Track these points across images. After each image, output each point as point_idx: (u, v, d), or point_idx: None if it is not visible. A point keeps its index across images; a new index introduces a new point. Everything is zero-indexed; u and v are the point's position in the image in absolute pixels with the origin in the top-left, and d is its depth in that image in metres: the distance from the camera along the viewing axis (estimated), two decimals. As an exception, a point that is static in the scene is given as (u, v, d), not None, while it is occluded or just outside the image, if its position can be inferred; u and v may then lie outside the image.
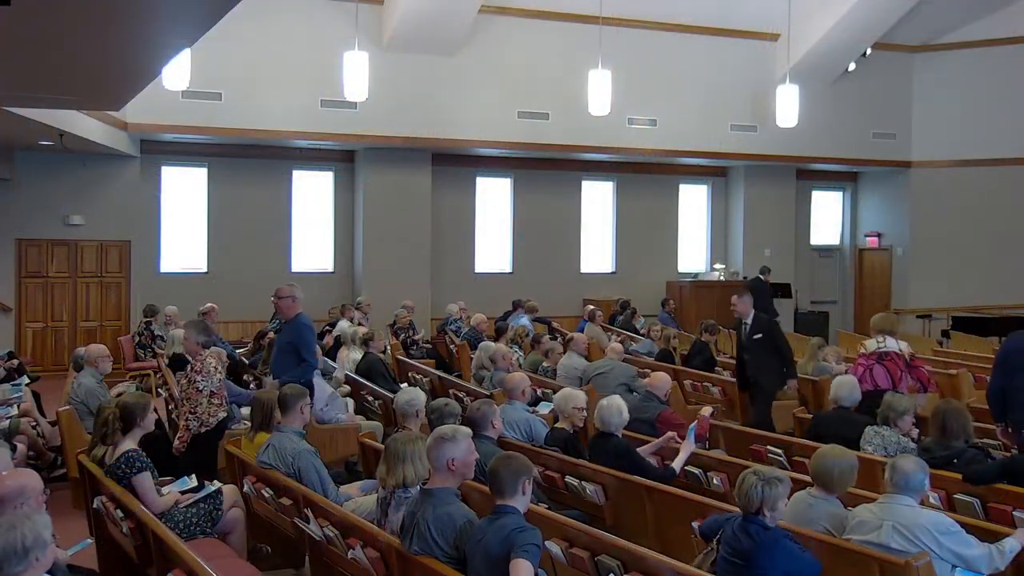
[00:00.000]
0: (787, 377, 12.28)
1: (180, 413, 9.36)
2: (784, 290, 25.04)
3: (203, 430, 9.17)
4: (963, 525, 6.93)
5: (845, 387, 10.12)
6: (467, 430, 6.68)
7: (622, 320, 20.96)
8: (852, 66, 24.82)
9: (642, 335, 18.91)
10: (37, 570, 4.78)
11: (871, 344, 11.47)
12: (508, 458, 5.97)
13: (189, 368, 9.35)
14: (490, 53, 21.52)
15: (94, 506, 7.80)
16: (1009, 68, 25.35)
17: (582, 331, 17.28)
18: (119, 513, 7.25)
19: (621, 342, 15.60)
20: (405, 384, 13.53)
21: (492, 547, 5.56)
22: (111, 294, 20.38)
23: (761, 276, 24.15)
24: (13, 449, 7.58)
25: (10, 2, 5.10)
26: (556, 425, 9.62)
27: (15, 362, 13.70)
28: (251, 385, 12.99)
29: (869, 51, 24.68)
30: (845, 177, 27.88)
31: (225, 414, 9.60)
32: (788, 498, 6.32)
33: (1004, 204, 25.57)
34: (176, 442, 9.21)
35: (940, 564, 6.18)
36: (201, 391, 9.19)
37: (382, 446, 9.12)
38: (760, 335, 12.36)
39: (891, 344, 11.35)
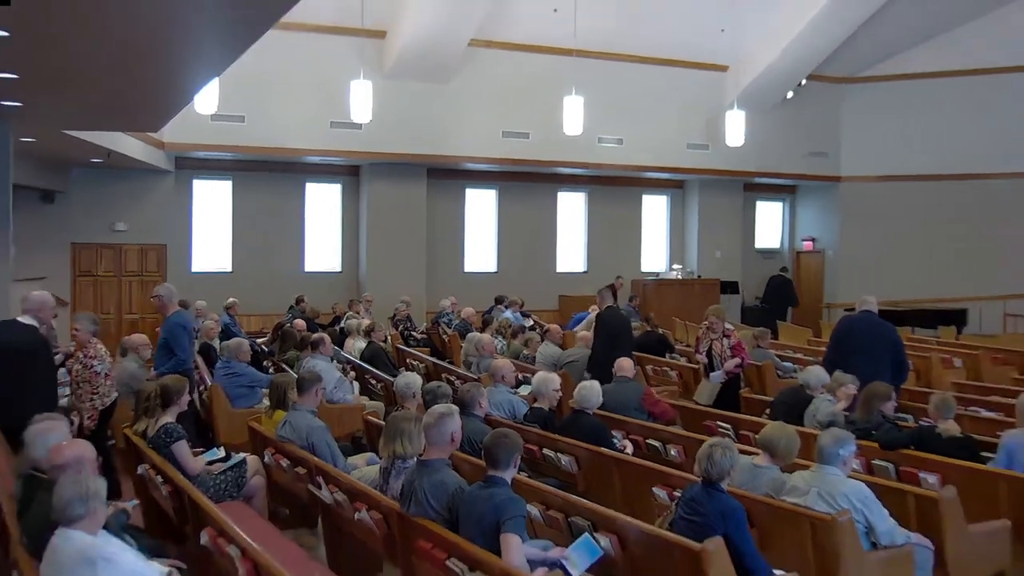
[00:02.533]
0: (594, 373, 11.64)
1: (79, 395, 9.25)
2: (732, 287, 25.16)
3: (103, 407, 9.16)
4: (880, 486, 7.08)
5: (812, 374, 10.22)
6: (457, 408, 6.78)
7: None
8: (790, 94, 24.93)
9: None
10: (93, 520, 4.92)
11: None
12: (504, 435, 6.02)
13: (83, 355, 9.26)
14: (478, 80, 21.52)
15: (138, 472, 7.85)
16: (922, 98, 25.57)
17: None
18: (159, 479, 7.30)
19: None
20: (403, 369, 13.56)
21: (483, 511, 5.63)
22: (150, 291, 20.07)
23: (783, 273, 25.33)
24: (71, 423, 7.60)
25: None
26: (535, 404, 9.64)
27: (71, 348, 13.72)
28: (269, 370, 13.02)
29: (804, 82, 24.83)
30: (784, 190, 27.95)
31: (117, 393, 9.62)
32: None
33: (919, 213, 25.71)
34: (87, 421, 9.06)
35: (857, 527, 6.28)
36: (99, 373, 9.17)
37: (383, 423, 9.21)
38: (601, 324, 12.47)
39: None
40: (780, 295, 26.14)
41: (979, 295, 24.73)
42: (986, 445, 8.40)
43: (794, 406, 9.79)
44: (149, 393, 8.06)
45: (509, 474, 5.90)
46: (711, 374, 12.00)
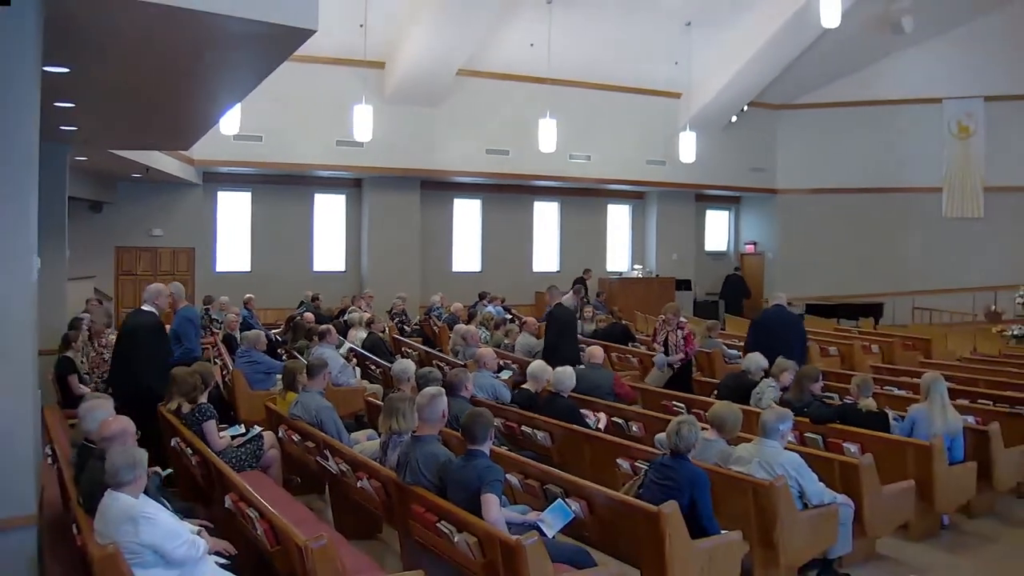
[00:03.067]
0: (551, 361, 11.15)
1: (93, 378, 9.29)
2: (686, 285, 25.26)
3: (110, 390, 8.93)
4: (810, 455, 7.19)
5: (753, 361, 10.32)
6: (444, 390, 6.84)
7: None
8: (734, 118, 25.07)
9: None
10: (138, 485, 5.03)
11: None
12: (478, 414, 6.06)
13: (97, 343, 9.30)
14: (465, 105, 21.52)
15: (171, 445, 7.87)
16: (846, 122, 25.69)
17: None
18: (189, 451, 7.34)
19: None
20: (399, 357, 13.58)
21: (467, 479, 5.68)
22: (181, 288, 20.46)
23: (736, 272, 25.64)
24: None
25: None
26: (524, 386, 9.70)
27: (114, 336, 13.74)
28: (283, 358, 13.01)
29: (746, 108, 24.96)
30: (730, 200, 28.03)
31: None
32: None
33: (842, 221, 25.85)
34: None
35: (791, 491, 6.38)
36: (107, 360, 9.21)
37: (382, 403, 9.25)
38: (551, 320, 12.50)
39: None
40: (734, 290, 26.27)
41: (892, 291, 24.90)
42: (898, 419, 8.52)
43: (736, 388, 9.88)
44: (195, 381, 8.07)
45: (487, 446, 5.95)
46: (655, 360, 12.10)
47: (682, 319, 12.22)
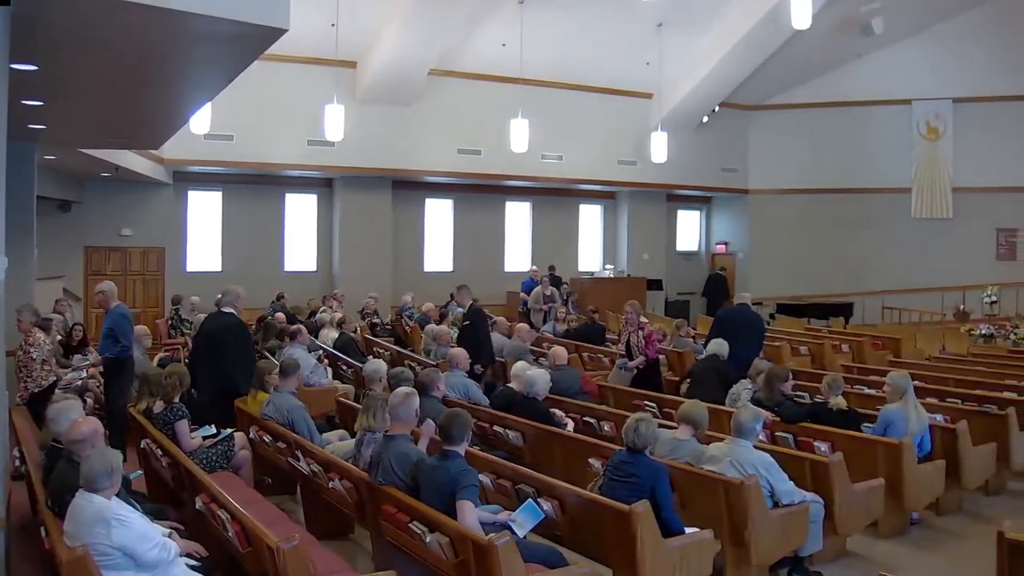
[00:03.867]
0: (477, 360, 11.25)
1: (19, 378, 9.29)
2: (658, 284, 25.31)
3: (37, 390, 9.10)
4: (781, 454, 7.26)
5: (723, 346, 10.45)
6: (416, 390, 6.87)
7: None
8: (705, 119, 25.15)
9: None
10: (113, 489, 5.03)
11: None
12: (457, 415, 6.08)
13: (23, 341, 9.29)
14: (437, 105, 21.47)
15: (141, 446, 7.83)
16: (811, 124, 25.88)
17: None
18: (159, 452, 7.30)
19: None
20: (371, 357, 13.55)
21: (441, 480, 5.69)
22: (151, 287, 20.41)
23: (720, 272, 25.78)
24: (84, 403, 7.63)
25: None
26: (509, 385, 9.72)
27: (80, 329, 13.62)
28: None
29: (717, 108, 25.06)
30: (702, 200, 28.11)
31: (55, 377, 9.59)
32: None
33: (813, 221, 25.98)
34: (17, 399, 9.11)
35: (762, 490, 6.42)
36: (34, 359, 9.18)
37: (354, 404, 9.26)
38: (468, 322, 12.20)
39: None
40: (717, 290, 26.38)
41: (862, 291, 25.08)
42: (868, 417, 8.65)
43: (707, 370, 10.51)
44: (175, 381, 8.04)
45: (463, 448, 5.97)
46: (617, 363, 12.13)
47: (643, 319, 12.23)
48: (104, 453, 5.12)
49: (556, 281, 21.20)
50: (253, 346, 10.34)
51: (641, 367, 11.68)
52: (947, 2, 23.17)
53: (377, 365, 9.40)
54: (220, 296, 10.09)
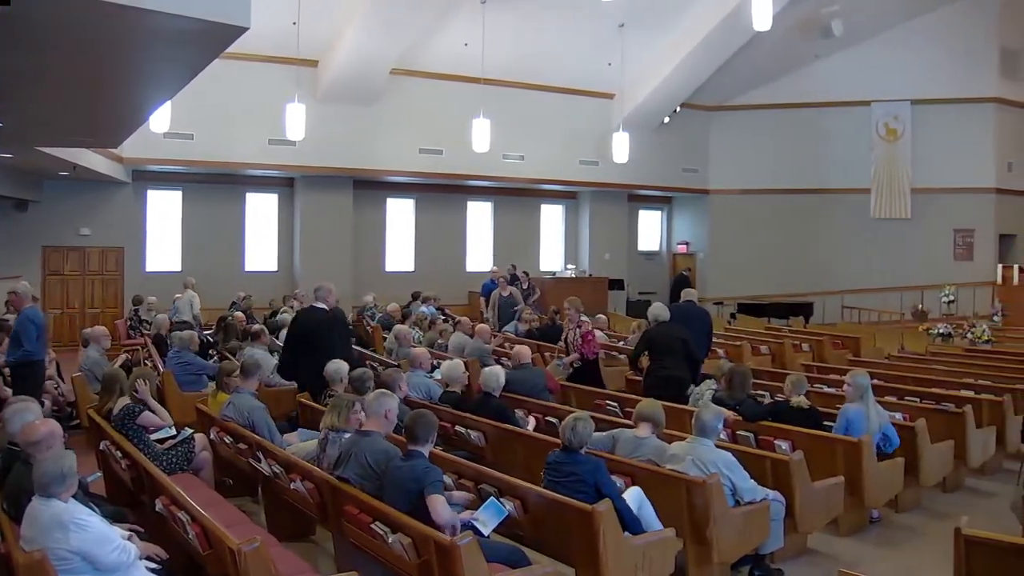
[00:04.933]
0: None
1: None
2: (619, 284, 25.41)
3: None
4: (743, 452, 7.31)
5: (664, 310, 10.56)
6: (392, 392, 6.88)
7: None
8: (667, 119, 25.32)
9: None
10: (69, 492, 4.96)
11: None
12: (422, 415, 6.10)
13: None
14: (399, 104, 21.46)
15: (100, 448, 7.75)
16: (777, 124, 26.11)
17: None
18: (119, 453, 7.23)
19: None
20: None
21: (404, 480, 5.70)
22: (110, 288, 20.21)
23: (685, 273, 25.48)
24: (41, 404, 7.55)
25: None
26: (448, 389, 9.69)
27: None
28: (214, 359, 12.88)
29: (678, 109, 25.25)
30: (663, 200, 28.28)
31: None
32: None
33: (773, 221, 26.26)
34: None
35: (724, 489, 6.47)
36: None
37: (315, 404, 9.22)
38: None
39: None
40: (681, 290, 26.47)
41: (822, 290, 25.35)
42: (828, 415, 8.68)
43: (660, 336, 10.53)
44: (117, 376, 7.96)
45: (427, 448, 5.99)
46: (556, 360, 12.18)
47: (583, 317, 12.27)
48: (57, 457, 5.04)
49: (515, 280, 21.17)
50: (350, 338, 10.78)
51: (577, 365, 11.69)
52: (905, 5, 23.51)
53: (339, 366, 9.37)
54: (314, 291, 10.38)
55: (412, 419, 6.04)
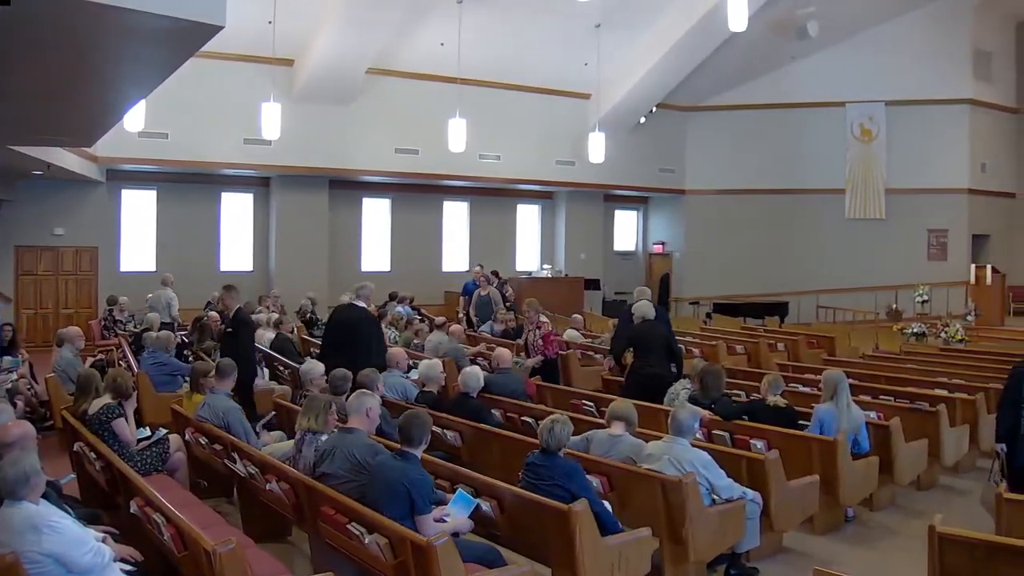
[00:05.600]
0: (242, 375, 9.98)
1: None
2: (595, 284, 25.46)
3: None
4: (719, 451, 7.34)
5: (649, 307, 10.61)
6: (373, 392, 6.88)
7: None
8: (643, 119, 25.38)
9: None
10: (37, 492, 4.91)
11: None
12: (417, 416, 6.06)
13: None
14: (375, 104, 21.44)
15: (74, 449, 7.69)
16: (752, 124, 26.18)
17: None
18: (93, 455, 7.19)
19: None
20: (308, 357, 13.49)
21: (393, 481, 5.63)
22: (84, 288, 20.07)
23: (667, 274, 25.78)
24: (14, 406, 7.51)
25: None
26: (424, 389, 9.68)
27: (10, 330, 13.38)
28: (189, 359, 12.82)
29: (654, 109, 25.29)
30: (639, 200, 28.36)
31: None
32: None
33: (748, 221, 26.35)
34: None
35: (700, 488, 6.50)
36: None
37: (291, 405, 9.20)
38: (230, 329, 10.87)
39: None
40: (664, 291, 26.69)
41: (797, 290, 25.44)
42: (803, 414, 8.73)
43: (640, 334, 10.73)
44: (91, 377, 7.91)
45: (419, 450, 5.97)
46: (515, 359, 12.19)
47: (542, 318, 12.31)
48: (16, 459, 4.95)
49: (503, 284, 21.13)
50: (382, 338, 11.17)
51: (537, 366, 11.72)
52: (880, 7, 23.65)
53: (313, 366, 9.37)
54: (357, 289, 10.87)
55: (407, 419, 5.99)
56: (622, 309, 12.19)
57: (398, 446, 6.02)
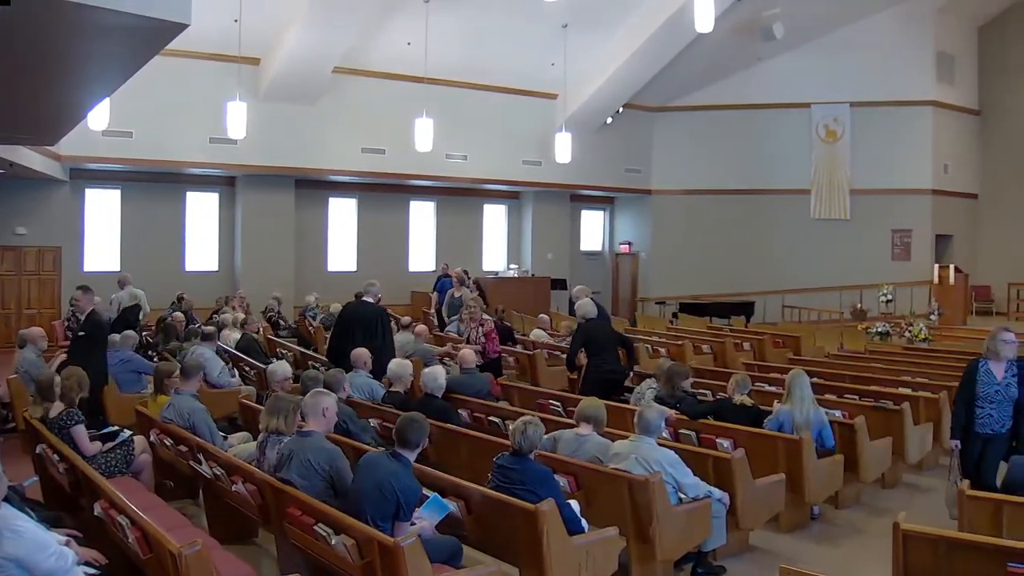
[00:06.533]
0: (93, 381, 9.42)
1: None
2: (562, 284, 25.48)
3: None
4: (685, 451, 7.39)
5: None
6: (330, 391, 6.84)
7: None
8: (609, 120, 25.41)
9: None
10: None
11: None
12: (415, 419, 6.02)
13: None
14: (341, 103, 21.34)
15: (37, 451, 7.62)
16: (718, 125, 26.29)
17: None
18: (56, 457, 7.12)
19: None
20: (275, 358, 13.44)
21: (385, 480, 5.59)
22: (47, 288, 19.88)
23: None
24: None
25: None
26: (392, 389, 9.66)
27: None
28: (154, 359, 12.74)
29: (621, 109, 25.33)
30: (605, 200, 28.41)
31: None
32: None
33: (714, 221, 26.43)
34: None
35: (667, 487, 6.52)
36: None
37: (257, 405, 9.15)
38: (83, 333, 10.48)
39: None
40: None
41: (763, 290, 25.64)
42: (769, 413, 8.75)
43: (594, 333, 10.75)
44: (52, 380, 7.82)
45: (413, 455, 5.94)
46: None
47: (484, 316, 12.36)
48: None
49: (480, 290, 21.13)
50: (391, 334, 11.59)
51: (479, 364, 11.78)
52: (844, 10, 23.84)
53: (281, 367, 9.32)
54: (366, 286, 11.60)
55: (405, 423, 5.95)
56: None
57: (365, 447, 6.01)
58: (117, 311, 15.42)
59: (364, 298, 11.37)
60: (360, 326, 10.88)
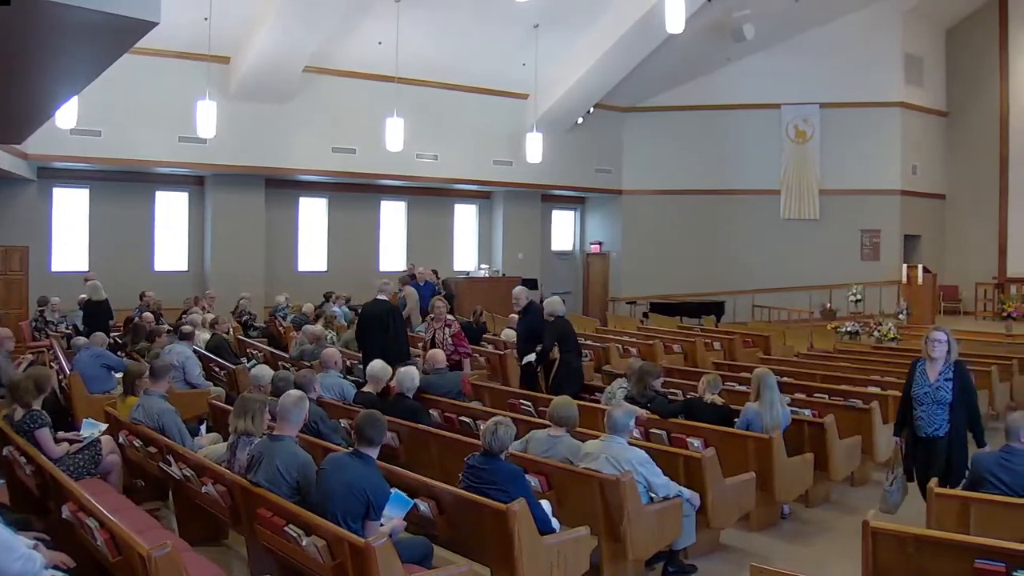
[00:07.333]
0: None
1: None
2: (533, 284, 25.47)
3: None
4: (656, 450, 7.42)
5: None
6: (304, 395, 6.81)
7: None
8: (580, 120, 25.42)
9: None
10: None
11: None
12: (374, 417, 6.01)
13: None
14: (312, 102, 21.24)
15: (3, 454, 7.55)
16: (689, 125, 26.39)
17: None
18: (23, 459, 7.06)
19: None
20: (244, 359, 13.39)
21: (353, 481, 5.58)
22: (13, 288, 19.47)
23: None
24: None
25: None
26: (364, 389, 9.64)
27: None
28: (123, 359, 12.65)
29: (592, 110, 25.36)
30: (576, 200, 28.46)
31: None
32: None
33: (684, 221, 26.52)
34: None
35: (638, 486, 6.54)
36: None
37: (226, 406, 9.10)
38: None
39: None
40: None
41: (733, 290, 25.74)
42: (740, 412, 8.82)
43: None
44: (19, 383, 7.74)
45: (375, 452, 5.92)
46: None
47: (450, 316, 12.37)
48: None
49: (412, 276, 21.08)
50: (404, 331, 12.10)
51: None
52: (814, 11, 23.97)
53: (262, 371, 9.28)
54: (380, 285, 12.01)
55: (364, 420, 5.94)
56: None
57: (335, 447, 5.98)
58: (80, 308, 15.36)
59: (378, 296, 11.74)
60: (375, 322, 11.35)
